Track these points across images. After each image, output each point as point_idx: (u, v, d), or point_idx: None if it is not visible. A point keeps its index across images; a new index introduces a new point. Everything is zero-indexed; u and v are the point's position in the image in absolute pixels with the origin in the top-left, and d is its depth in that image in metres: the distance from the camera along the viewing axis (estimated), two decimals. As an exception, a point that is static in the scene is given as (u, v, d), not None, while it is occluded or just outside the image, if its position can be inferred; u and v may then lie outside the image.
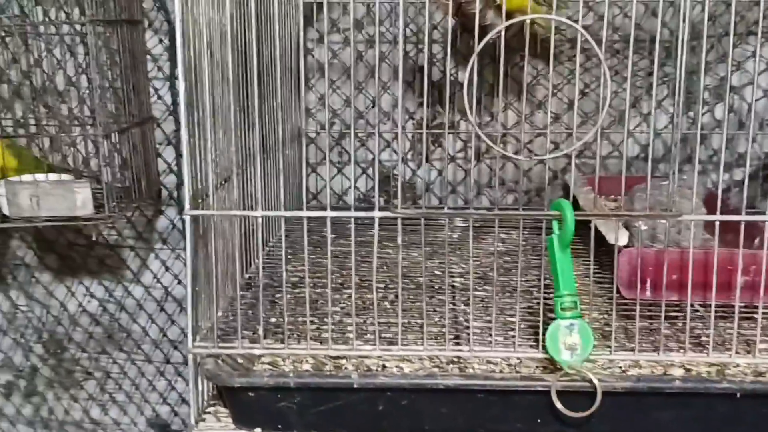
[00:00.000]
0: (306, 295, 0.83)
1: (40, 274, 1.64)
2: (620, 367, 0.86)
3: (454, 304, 1.00)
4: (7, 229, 1.59)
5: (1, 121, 1.47)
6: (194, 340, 0.84)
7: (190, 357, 0.84)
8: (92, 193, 1.30)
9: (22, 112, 1.47)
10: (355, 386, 0.80)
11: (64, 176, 1.36)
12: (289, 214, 0.84)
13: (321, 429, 0.84)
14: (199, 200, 0.82)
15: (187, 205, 0.80)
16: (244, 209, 0.97)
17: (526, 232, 1.21)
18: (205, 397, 0.90)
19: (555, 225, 0.79)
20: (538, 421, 0.81)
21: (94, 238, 1.41)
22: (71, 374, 1.69)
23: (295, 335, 0.90)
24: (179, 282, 1.62)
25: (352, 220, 0.83)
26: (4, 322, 1.66)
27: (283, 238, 0.80)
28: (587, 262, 1.01)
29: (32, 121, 1.47)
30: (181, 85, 0.77)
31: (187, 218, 0.80)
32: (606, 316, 0.97)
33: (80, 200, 1.30)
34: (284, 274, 0.84)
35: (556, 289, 0.79)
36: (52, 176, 1.33)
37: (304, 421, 0.83)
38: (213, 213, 0.81)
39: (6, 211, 1.30)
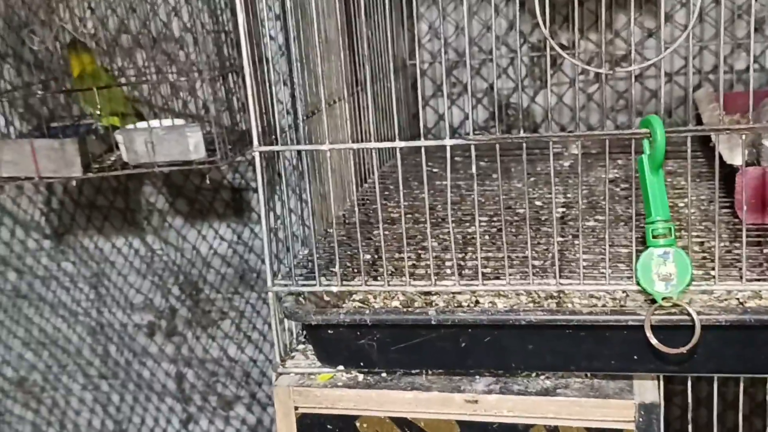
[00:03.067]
0: (402, 230, 0.80)
1: (172, 219, 1.70)
2: (738, 299, 0.76)
3: (549, 237, 0.93)
4: (140, 177, 1.65)
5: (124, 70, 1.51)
6: (274, 278, 0.83)
7: (270, 295, 0.83)
8: (215, 138, 1.31)
9: (142, 60, 1.50)
10: (433, 323, 0.76)
11: (177, 121, 1.38)
12: (356, 146, 0.80)
13: (403, 366, 0.81)
14: (274, 137, 0.80)
15: (255, 142, 0.78)
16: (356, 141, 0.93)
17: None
18: (294, 336, 0.89)
19: (645, 144, 0.71)
20: (635, 358, 0.75)
21: (208, 181, 1.44)
22: (207, 314, 1.75)
23: (390, 272, 0.85)
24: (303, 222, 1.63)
25: (447, 149, 0.76)
26: (143, 265, 1.73)
27: (399, 167, 0.76)
28: (712, 186, 0.92)
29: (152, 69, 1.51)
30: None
31: (256, 154, 0.78)
32: (726, 244, 0.87)
33: (192, 144, 1.32)
34: (379, 208, 0.80)
35: (647, 214, 0.71)
36: (166, 122, 1.36)
37: (386, 358, 0.80)
38: (280, 149, 0.79)
39: (126, 158, 1.34)
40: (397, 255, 0.91)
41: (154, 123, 1.34)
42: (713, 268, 0.75)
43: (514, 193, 1.07)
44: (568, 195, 1.04)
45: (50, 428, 1.86)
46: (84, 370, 1.81)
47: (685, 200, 0.93)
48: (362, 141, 1.01)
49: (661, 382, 0.77)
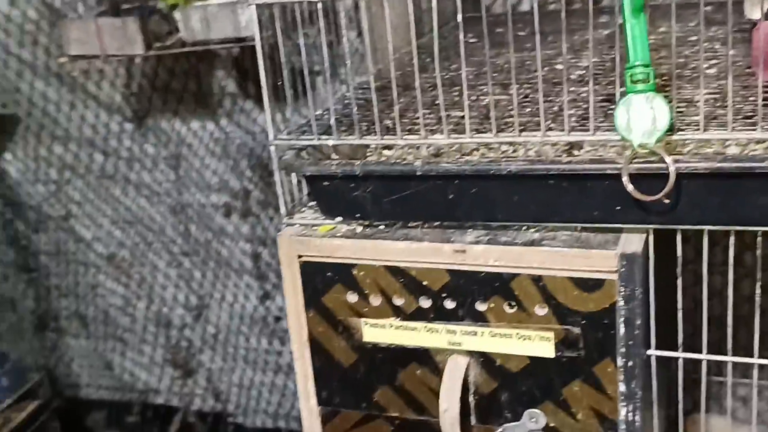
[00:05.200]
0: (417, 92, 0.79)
1: (243, 102, 1.75)
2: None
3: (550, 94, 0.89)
4: (211, 60, 1.71)
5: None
6: (276, 132, 0.86)
7: (272, 149, 0.86)
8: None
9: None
10: (418, 173, 0.78)
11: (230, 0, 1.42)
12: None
13: (396, 218, 0.83)
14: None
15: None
16: None
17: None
18: (304, 193, 0.92)
19: (625, -17, 0.68)
20: (617, 208, 0.74)
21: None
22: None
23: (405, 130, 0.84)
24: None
25: None
26: (218, 148, 1.80)
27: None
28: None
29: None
30: None
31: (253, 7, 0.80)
32: (738, 99, 0.82)
33: (244, 21, 1.36)
34: (392, 66, 0.80)
35: (627, 59, 0.69)
36: (220, 1, 1.39)
37: (380, 210, 0.82)
38: None
39: (184, 36, 1.39)
40: (412, 114, 0.90)
41: (206, 2, 1.38)
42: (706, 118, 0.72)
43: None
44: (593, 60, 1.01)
45: (139, 301, 1.99)
46: (168, 248, 1.93)
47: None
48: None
49: (650, 236, 0.76)
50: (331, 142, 0.83)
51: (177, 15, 1.39)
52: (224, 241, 1.88)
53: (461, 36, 0.76)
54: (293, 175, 0.90)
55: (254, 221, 1.85)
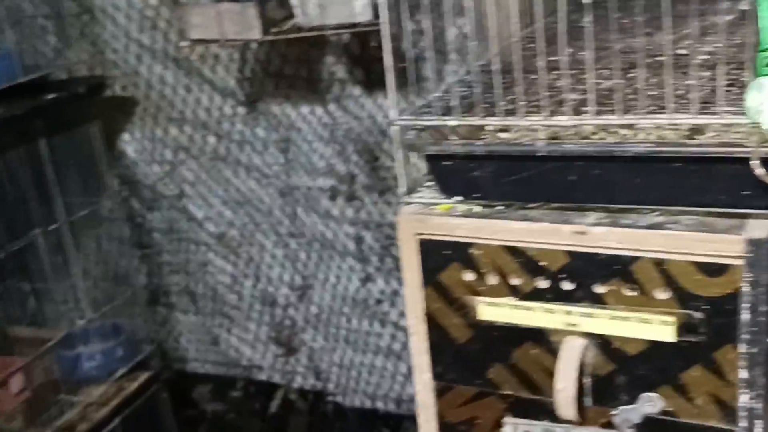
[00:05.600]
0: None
1: (351, 88, 1.78)
2: None
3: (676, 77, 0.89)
4: (321, 47, 1.75)
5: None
6: (399, 113, 0.88)
7: (394, 129, 0.88)
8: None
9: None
10: (541, 154, 0.78)
11: (346, -15, 1.45)
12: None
13: (515, 198, 0.84)
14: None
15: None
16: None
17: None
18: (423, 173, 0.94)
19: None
20: (744, 193, 0.73)
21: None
22: (384, 180, 1.84)
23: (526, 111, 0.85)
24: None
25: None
26: (326, 132, 1.85)
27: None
28: None
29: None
30: None
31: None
32: None
33: (358, 7, 1.39)
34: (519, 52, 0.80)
35: (759, 43, 0.68)
36: (336, -15, 1.42)
37: (499, 190, 0.84)
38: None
39: (299, 21, 1.43)
40: (533, 97, 0.90)
41: (325, -13, 1.41)
42: None
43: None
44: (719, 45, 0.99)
45: (246, 280, 2.06)
46: (275, 229, 1.98)
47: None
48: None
49: (779, 222, 0.75)
50: (453, 123, 0.84)
51: (294, 1, 1.43)
52: (329, 224, 1.92)
53: (587, 19, 0.76)
54: (412, 155, 0.92)
55: (358, 205, 1.88)
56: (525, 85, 0.93)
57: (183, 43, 1.52)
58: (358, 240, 1.91)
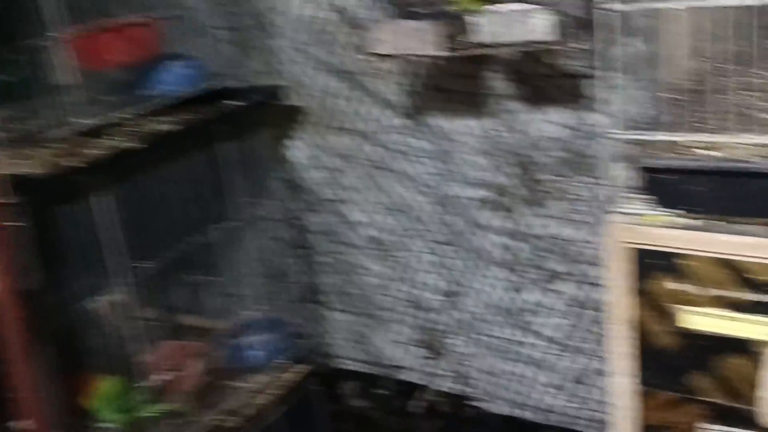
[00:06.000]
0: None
1: (510, 102, 1.85)
2: None
3: None
4: (481, 62, 1.81)
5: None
6: (615, 126, 0.93)
7: (607, 141, 0.94)
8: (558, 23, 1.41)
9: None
10: (761, 171, 0.82)
11: (525, 6, 1.51)
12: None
13: (731, 213, 0.88)
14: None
15: None
16: None
17: None
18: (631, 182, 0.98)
19: None
20: None
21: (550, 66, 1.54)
22: (536, 192, 1.89)
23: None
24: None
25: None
26: (482, 145, 1.91)
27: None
28: None
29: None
30: None
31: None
32: None
33: (536, 27, 1.45)
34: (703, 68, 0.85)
35: None
36: (514, 5, 1.49)
37: (714, 204, 0.88)
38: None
39: (475, 39, 1.50)
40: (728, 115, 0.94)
41: (504, 6, 1.48)
42: None
43: None
44: None
45: (396, 283, 2.15)
46: (428, 236, 2.06)
47: None
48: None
49: None
50: (678, 138, 0.89)
51: (471, 19, 1.50)
52: (481, 233, 1.98)
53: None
54: (614, 166, 0.97)
55: (510, 216, 1.94)
56: (712, 104, 0.97)
57: (363, 57, 1.62)
58: (508, 250, 1.96)
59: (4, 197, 1.26)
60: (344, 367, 2.31)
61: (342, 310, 2.26)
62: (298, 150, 2.15)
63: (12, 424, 1.30)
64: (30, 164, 1.51)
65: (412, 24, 1.52)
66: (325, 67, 2.04)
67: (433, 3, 1.69)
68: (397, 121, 1.99)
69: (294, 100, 2.10)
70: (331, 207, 2.17)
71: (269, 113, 2.05)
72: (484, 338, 2.06)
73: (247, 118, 1.97)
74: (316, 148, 2.13)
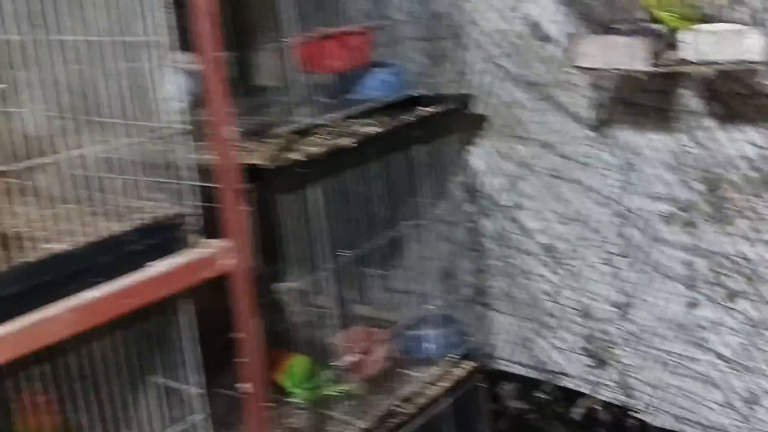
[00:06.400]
0: None
1: (703, 119, 1.88)
2: None
3: None
4: (675, 78, 1.85)
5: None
6: None
7: None
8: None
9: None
10: None
11: (737, 25, 1.55)
12: None
13: None
14: None
15: None
16: None
17: None
18: None
19: None
20: None
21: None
22: (723, 210, 1.91)
23: None
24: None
25: None
26: (670, 160, 1.95)
27: None
28: None
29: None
30: None
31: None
32: None
33: (750, 47, 1.49)
34: None
35: None
36: (725, 25, 1.53)
37: None
38: None
39: (684, 56, 1.55)
40: None
41: (716, 25, 1.53)
42: None
43: None
44: None
45: (567, 291, 2.20)
46: (604, 247, 2.11)
47: None
48: None
49: None
50: None
51: (682, 36, 1.55)
52: (661, 248, 2.01)
53: None
54: None
55: (694, 232, 1.96)
56: None
57: (568, 70, 1.69)
58: (689, 266, 1.99)
59: (241, 184, 1.41)
60: (505, 368, 2.38)
61: (508, 313, 2.34)
62: (479, 157, 2.25)
63: (238, 385, 1.45)
64: (258, 155, 1.66)
65: (620, 39, 1.59)
66: (513, 78, 2.13)
67: (636, 20, 1.75)
68: (582, 133, 2.05)
69: (480, 109, 2.19)
70: (507, 213, 2.25)
71: (457, 120, 2.16)
72: (653, 351, 2.09)
73: (439, 124, 2.08)
74: (496, 156, 2.22)
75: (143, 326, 1.37)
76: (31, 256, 1.20)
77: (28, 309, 1.15)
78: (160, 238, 1.32)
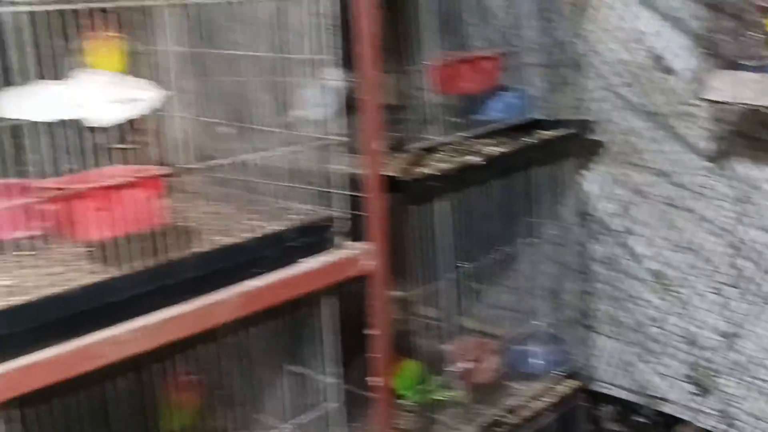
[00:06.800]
0: None
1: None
2: None
3: None
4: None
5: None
6: None
7: None
8: None
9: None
10: None
11: None
12: None
13: None
14: None
15: None
16: None
17: None
18: None
19: None
20: None
21: None
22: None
23: None
24: None
25: None
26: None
27: None
28: None
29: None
30: None
31: None
32: None
33: None
34: None
35: None
36: None
37: None
38: None
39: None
40: None
41: None
42: None
43: None
44: None
45: (673, 317, 2.24)
46: (713, 276, 2.15)
47: None
48: None
49: None
50: None
51: None
52: (773, 278, 2.05)
53: None
54: None
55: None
56: None
57: (696, 102, 1.76)
58: (801, 300, 2.01)
59: (385, 193, 1.52)
60: (605, 390, 2.43)
61: (611, 337, 2.39)
62: (594, 181, 2.32)
63: (369, 379, 1.56)
64: (391, 168, 1.78)
65: (750, 75, 1.65)
66: (632, 107, 2.20)
67: (762, 56, 1.81)
68: (699, 164, 2.10)
69: (597, 135, 2.26)
70: (618, 238, 2.31)
71: (575, 145, 2.23)
72: (758, 382, 2.11)
73: (557, 148, 2.16)
74: (611, 181, 2.28)
75: (291, 317, 1.49)
76: (204, 247, 1.34)
77: (202, 293, 1.29)
78: (313, 237, 1.44)
